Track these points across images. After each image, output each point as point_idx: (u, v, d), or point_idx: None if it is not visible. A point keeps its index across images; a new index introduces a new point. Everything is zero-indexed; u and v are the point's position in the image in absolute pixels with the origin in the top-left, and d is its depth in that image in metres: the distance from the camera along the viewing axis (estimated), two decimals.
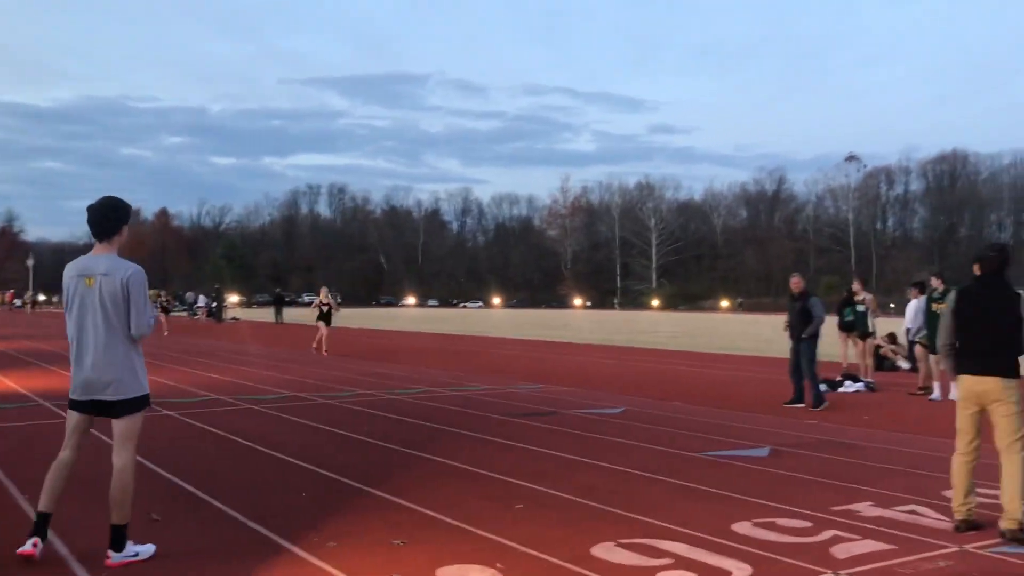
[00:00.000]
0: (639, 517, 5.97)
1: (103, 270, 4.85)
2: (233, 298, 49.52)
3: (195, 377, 16.09)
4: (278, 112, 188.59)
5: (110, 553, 4.81)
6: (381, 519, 5.90)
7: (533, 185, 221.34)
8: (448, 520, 5.86)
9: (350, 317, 20.20)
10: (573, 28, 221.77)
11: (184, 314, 58.03)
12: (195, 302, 57.16)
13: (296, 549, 5.19)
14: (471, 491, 6.79)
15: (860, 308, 16.11)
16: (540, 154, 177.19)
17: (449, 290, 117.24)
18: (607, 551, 5.16)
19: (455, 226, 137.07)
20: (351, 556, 5.05)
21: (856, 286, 16.69)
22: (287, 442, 9.03)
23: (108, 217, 4.94)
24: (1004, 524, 5.73)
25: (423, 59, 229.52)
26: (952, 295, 6.31)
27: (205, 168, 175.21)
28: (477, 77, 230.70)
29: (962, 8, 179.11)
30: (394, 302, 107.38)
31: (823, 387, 13.09)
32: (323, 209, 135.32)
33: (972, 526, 5.84)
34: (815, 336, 12.45)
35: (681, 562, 4.96)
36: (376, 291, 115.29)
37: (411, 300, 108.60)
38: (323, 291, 23.91)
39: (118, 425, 4.91)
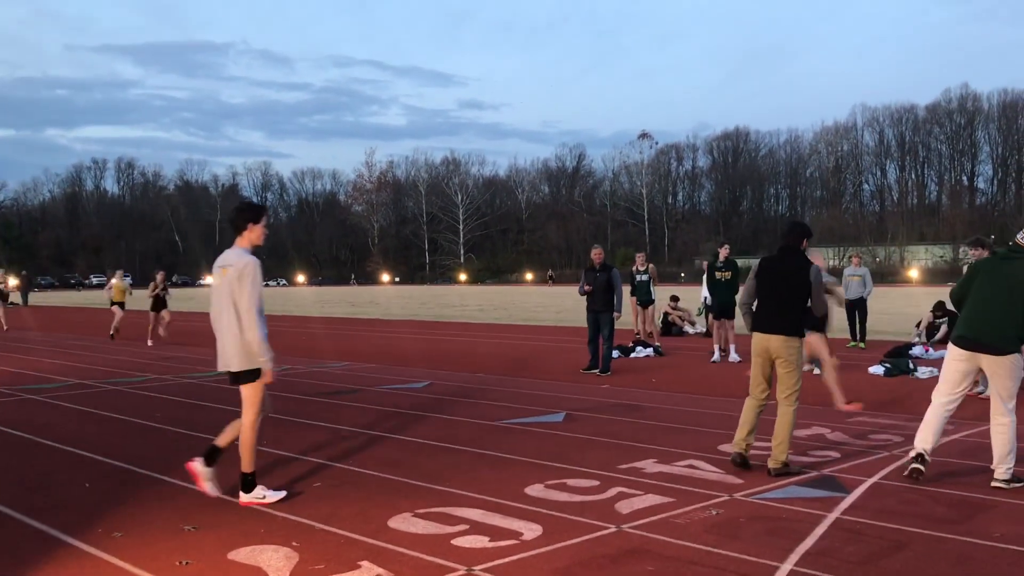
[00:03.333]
0: (437, 487, 6.10)
1: (230, 262, 5.69)
2: (12, 281, 45.87)
3: None
4: (63, 81, 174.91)
5: (240, 494, 5.77)
6: (172, 507, 5.72)
7: (342, 159, 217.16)
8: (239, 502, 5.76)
9: (142, 300, 19.06)
10: (381, 0, 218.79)
11: None
12: None
13: (77, 543, 4.94)
14: (268, 473, 6.68)
15: (642, 278, 16.91)
16: (348, 127, 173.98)
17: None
18: (404, 522, 5.25)
19: (255, 201, 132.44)
20: (138, 545, 4.87)
21: (639, 257, 17.48)
22: (70, 432, 8.52)
23: (233, 217, 5.84)
24: (771, 464, 6.49)
25: (224, 27, 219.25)
26: (757, 263, 7.06)
27: None
28: (282, 47, 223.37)
29: None
30: (190, 282, 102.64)
31: (616, 354, 13.76)
32: (110, 185, 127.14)
33: (744, 461, 6.60)
34: (619, 308, 13.01)
35: (475, 527, 5.13)
36: (172, 270, 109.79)
37: (209, 279, 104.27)
38: (118, 274, 22.33)
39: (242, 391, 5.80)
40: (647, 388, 11.53)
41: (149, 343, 19.51)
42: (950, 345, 6.44)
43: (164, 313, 20.13)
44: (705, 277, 16.23)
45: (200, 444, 7.79)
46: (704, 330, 19.11)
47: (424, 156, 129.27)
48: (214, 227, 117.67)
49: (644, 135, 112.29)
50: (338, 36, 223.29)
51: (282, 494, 5.88)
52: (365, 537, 4.96)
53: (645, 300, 16.91)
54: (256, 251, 5.83)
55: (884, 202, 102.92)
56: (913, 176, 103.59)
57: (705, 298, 17.01)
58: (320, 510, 5.55)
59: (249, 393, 5.79)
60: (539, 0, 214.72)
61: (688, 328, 20.59)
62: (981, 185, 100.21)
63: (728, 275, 14.39)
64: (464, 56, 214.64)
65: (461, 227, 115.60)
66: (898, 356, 13.86)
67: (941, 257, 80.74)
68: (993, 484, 6.07)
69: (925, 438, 6.34)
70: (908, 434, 8.03)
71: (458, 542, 4.86)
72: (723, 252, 15.02)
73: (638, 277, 16.92)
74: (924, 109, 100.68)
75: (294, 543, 4.86)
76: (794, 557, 4.61)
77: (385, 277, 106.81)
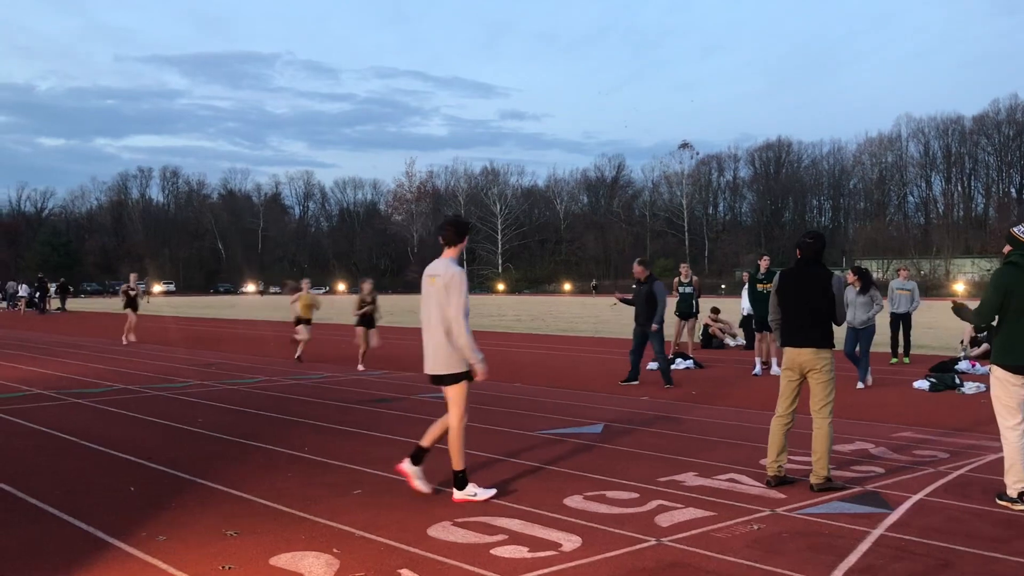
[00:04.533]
0: None
1: (439, 272, 6.13)
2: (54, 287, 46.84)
3: (14, 371, 15.13)
4: (112, 91, 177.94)
5: (454, 491, 6.06)
6: (215, 511, 5.79)
7: (383, 169, 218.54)
8: (285, 509, 5.81)
9: (185, 306, 19.27)
10: (424, 12, 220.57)
11: (3, 305, 54.23)
12: (16, 292, 53.53)
13: (123, 545, 5.02)
14: (310, 479, 6.74)
15: (686, 290, 16.86)
16: (390, 138, 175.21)
17: (292, 277, 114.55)
18: (443, 531, 5.26)
19: (297, 211, 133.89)
20: (181, 549, 4.94)
21: (684, 269, 17.46)
22: (115, 437, 8.67)
23: (444, 230, 6.30)
24: (813, 479, 6.41)
25: (270, 39, 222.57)
26: (776, 277, 6.98)
27: (29, 149, 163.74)
28: (326, 58, 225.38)
29: (787, 4, 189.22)
30: (232, 289, 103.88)
31: (652, 365, 13.70)
32: (155, 193, 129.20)
33: (782, 481, 6.48)
34: (662, 321, 13.00)
35: (515, 537, 5.13)
36: (214, 278, 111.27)
37: (251, 287, 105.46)
38: (304, 284, 18.93)
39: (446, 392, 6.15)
40: (687, 401, 11.45)
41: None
42: (1004, 372, 6.05)
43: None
44: (746, 289, 16.11)
45: (242, 450, 7.91)
46: (744, 343, 18.94)
47: (464, 166, 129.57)
48: (256, 235, 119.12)
49: (685, 145, 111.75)
50: (381, 48, 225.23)
51: (492, 492, 6.10)
52: (405, 545, 4.98)
53: (687, 312, 16.83)
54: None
55: (929, 214, 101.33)
56: (959, 188, 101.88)
57: (744, 309, 16.89)
58: (361, 518, 5.58)
59: (454, 394, 6.12)
60: (580, 12, 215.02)
61: (729, 340, 20.41)
62: None
63: (769, 287, 14.24)
64: (505, 67, 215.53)
65: (499, 237, 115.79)
66: (943, 371, 13.62)
67: (988, 271, 79.21)
68: (1000, 500, 5.90)
69: (1017, 477, 5.97)
70: (953, 450, 7.92)
71: (497, 552, 4.87)
72: (764, 264, 14.91)
73: (682, 289, 16.86)
74: (971, 120, 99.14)
75: (335, 550, 4.90)
76: (838, 573, 4.54)
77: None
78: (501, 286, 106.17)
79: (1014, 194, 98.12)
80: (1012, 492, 5.95)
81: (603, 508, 5.81)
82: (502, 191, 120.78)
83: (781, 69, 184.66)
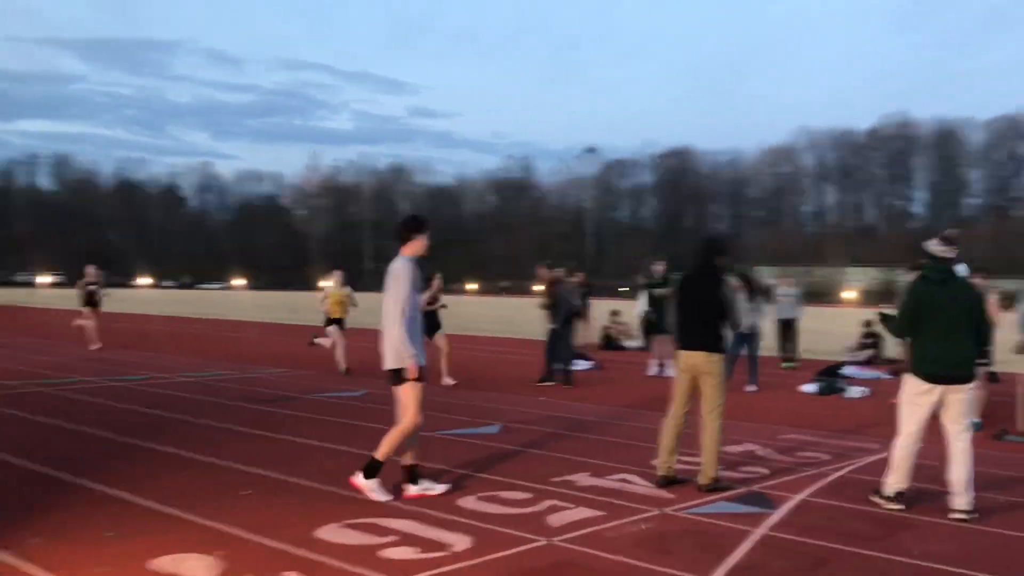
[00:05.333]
0: (368, 498, 6.04)
1: (390, 268, 6.28)
2: None
3: None
4: (2, 73, 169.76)
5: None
6: (96, 513, 5.56)
7: (288, 163, 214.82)
8: (168, 510, 5.63)
9: (72, 298, 18.39)
10: (335, 4, 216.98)
11: None
12: None
13: None
14: (197, 480, 6.56)
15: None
16: (296, 131, 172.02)
17: (187, 270, 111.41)
18: (333, 532, 5.19)
19: (194, 203, 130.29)
20: (56, 552, 4.73)
21: (565, 272, 17.41)
22: None
23: (399, 228, 6.49)
24: (701, 480, 6.57)
25: (173, 25, 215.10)
26: (676, 281, 7.18)
27: None
28: (231, 48, 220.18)
29: (703, 16, 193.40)
30: (125, 282, 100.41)
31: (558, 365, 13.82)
32: (44, 180, 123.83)
33: (671, 481, 6.64)
34: (565, 322, 13.15)
35: (405, 538, 5.09)
36: (106, 271, 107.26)
37: (145, 280, 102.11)
38: (336, 277, 16.55)
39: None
40: (584, 401, 11.59)
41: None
42: (913, 379, 6.22)
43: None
44: (643, 292, 16.38)
45: (127, 450, 7.64)
46: (643, 344, 19.27)
47: (370, 162, 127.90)
48: (150, 226, 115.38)
49: (591, 149, 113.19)
50: (289, 39, 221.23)
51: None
52: (292, 547, 4.89)
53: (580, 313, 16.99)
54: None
55: (822, 223, 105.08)
56: (850, 199, 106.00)
57: (641, 312, 17.12)
58: (249, 519, 5.45)
59: (403, 393, 6.18)
60: (498, 13, 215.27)
61: (627, 342, 20.75)
62: (916, 210, 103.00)
63: (665, 291, 14.53)
64: (417, 64, 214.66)
65: None
66: (830, 375, 14.14)
67: (874, 279, 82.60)
68: (954, 515, 5.93)
69: (897, 478, 6.18)
70: (836, 452, 8.22)
71: (386, 553, 4.82)
72: (659, 268, 15.19)
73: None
74: (863, 133, 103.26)
75: (219, 552, 4.77)
76: (720, 571, 4.66)
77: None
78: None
79: (901, 206, 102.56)
80: (888, 491, 6.19)
81: (496, 508, 5.82)
82: (409, 188, 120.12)
83: (689, 78, 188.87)
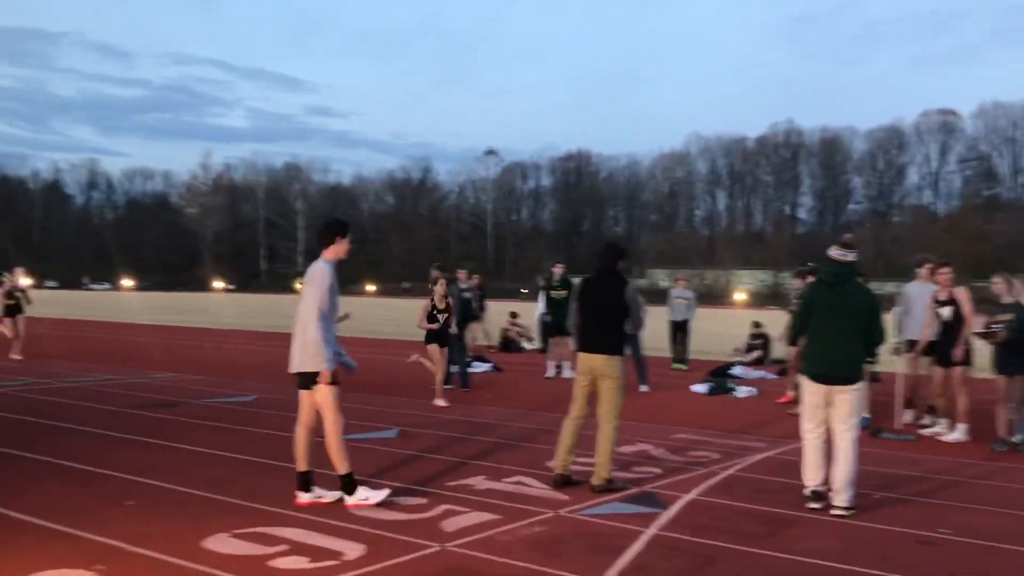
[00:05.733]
0: (258, 506, 5.90)
1: (309, 271, 6.16)
2: None
3: None
4: None
5: (345, 497, 5.95)
6: None
7: (179, 160, 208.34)
8: (45, 523, 5.38)
9: None
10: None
11: None
12: None
13: None
14: (77, 491, 6.28)
15: (466, 295, 16.83)
16: (188, 128, 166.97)
17: (71, 270, 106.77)
18: (220, 543, 5.04)
19: (79, 200, 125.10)
20: None
21: (461, 275, 17.30)
22: None
23: (320, 232, 6.39)
24: (594, 481, 6.64)
25: (58, 16, 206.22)
26: (578, 284, 7.22)
27: None
28: (120, 41, 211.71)
29: (598, 22, 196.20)
30: (2, 282, 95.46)
31: (455, 368, 13.79)
32: None
33: (567, 481, 6.71)
34: (461, 324, 13.11)
35: (295, 547, 4.99)
36: None
37: (26, 281, 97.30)
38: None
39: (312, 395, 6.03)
40: (481, 404, 11.60)
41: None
42: (805, 380, 6.49)
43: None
44: (541, 294, 16.48)
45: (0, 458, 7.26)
46: (541, 346, 19.41)
47: (264, 160, 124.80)
48: (31, 224, 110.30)
49: (490, 152, 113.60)
50: (181, 33, 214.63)
51: (385, 493, 6.02)
52: (177, 559, 4.73)
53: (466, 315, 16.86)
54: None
55: (714, 227, 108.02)
56: (741, 204, 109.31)
57: (540, 314, 17.23)
58: (132, 530, 5.25)
59: (323, 397, 5.97)
60: (394, 12, 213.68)
61: (526, 344, 20.88)
62: (803, 215, 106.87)
63: (563, 293, 14.68)
64: (314, 62, 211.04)
65: (301, 234, 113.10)
66: (720, 375, 14.52)
67: (762, 281, 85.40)
68: (835, 511, 6.15)
69: (811, 474, 6.39)
70: (725, 451, 8.44)
71: (276, 563, 4.71)
72: (558, 270, 15.32)
73: (463, 295, 16.92)
74: (753, 141, 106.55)
75: (99, 566, 4.58)
76: (611, 573, 4.72)
77: (218, 284, 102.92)
78: (300, 285, 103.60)
79: (788, 211, 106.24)
80: (805, 491, 6.39)
81: (390, 515, 5.76)
82: (305, 188, 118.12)
83: (585, 83, 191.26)
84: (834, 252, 6.52)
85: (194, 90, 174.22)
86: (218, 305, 54.28)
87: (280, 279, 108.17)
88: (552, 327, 15.07)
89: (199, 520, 5.52)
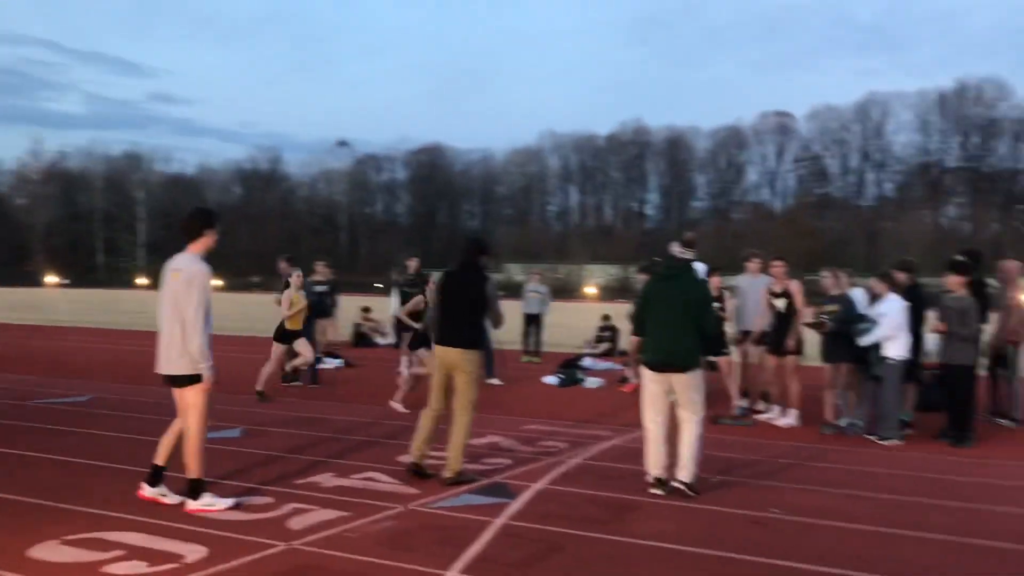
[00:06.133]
0: (92, 511, 5.63)
1: (181, 267, 5.89)
2: None
3: None
4: None
5: (187, 501, 5.71)
6: None
7: (6, 147, 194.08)
8: None
9: None
10: None
11: None
12: None
13: None
14: None
15: (318, 289, 16.55)
16: (16, 112, 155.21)
17: None
18: (49, 550, 4.78)
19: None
20: None
21: (318, 268, 16.93)
22: None
23: (187, 222, 6.15)
24: (446, 473, 6.69)
25: None
26: (439, 277, 7.26)
27: None
28: None
29: (455, 14, 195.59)
30: None
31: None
32: None
33: (420, 471, 6.76)
34: (314, 319, 12.91)
35: (133, 552, 4.79)
36: None
37: None
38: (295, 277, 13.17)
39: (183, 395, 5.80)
40: (332, 400, 11.44)
41: None
42: (644, 369, 6.81)
43: None
44: (395, 289, 16.39)
45: None
46: (395, 341, 19.29)
47: (102, 148, 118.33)
48: None
49: (342, 143, 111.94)
50: (10, 11, 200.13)
51: (231, 502, 5.79)
52: (1, 570, 4.45)
53: (320, 311, 16.58)
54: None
55: (566, 223, 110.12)
56: (592, 200, 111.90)
57: (393, 308, 17.12)
58: None
59: (192, 398, 5.77)
60: None
61: (379, 339, 20.71)
62: (650, 211, 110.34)
63: (416, 288, 14.62)
64: (157, 47, 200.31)
65: (142, 227, 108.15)
66: (570, 367, 14.85)
67: (612, 276, 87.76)
68: (674, 483, 6.50)
69: (653, 462, 6.64)
70: (575, 440, 8.65)
71: (110, 569, 4.52)
72: (412, 264, 15.25)
73: (316, 288, 16.63)
74: (603, 138, 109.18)
75: None
76: (459, 564, 4.77)
77: (52, 278, 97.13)
78: (144, 280, 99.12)
79: (636, 208, 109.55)
80: (648, 477, 6.64)
81: (234, 515, 5.61)
82: (146, 177, 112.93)
83: (440, 76, 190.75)
84: (675, 249, 6.83)
85: (23, 72, 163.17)
86: (51, 301, 51.19)
87: (119, 273, 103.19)
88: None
89: (26, 528, 5.21)
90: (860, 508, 6.27)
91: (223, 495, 5.93)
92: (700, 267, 10.62)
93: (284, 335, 11.96)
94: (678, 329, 6.59)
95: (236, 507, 5.78)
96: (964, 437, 8.90)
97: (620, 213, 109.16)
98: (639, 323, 6.94)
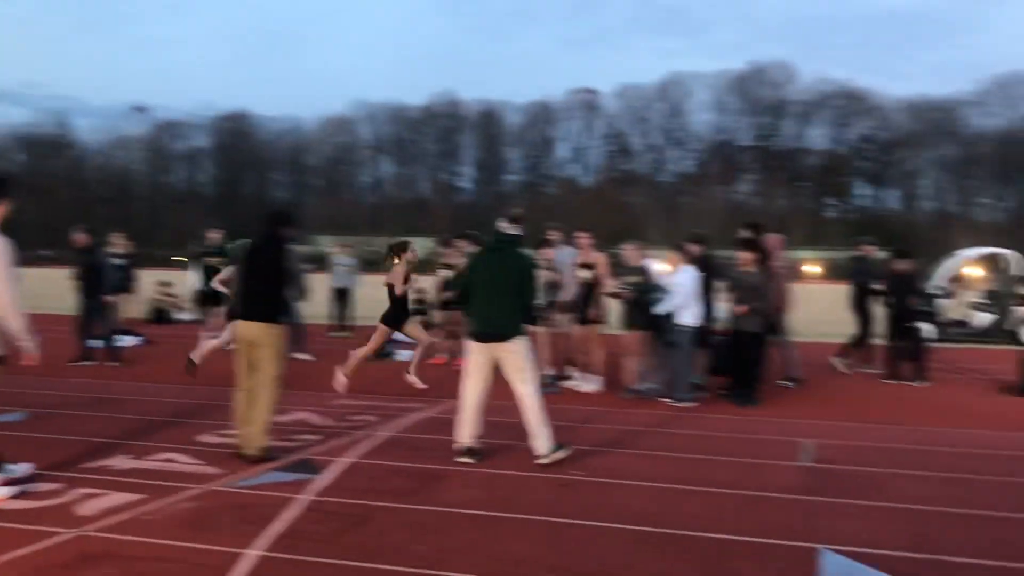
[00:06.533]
0: None
1: None
2: None
3: None
4: None
5: None
6: None
7: None
8: None
9: None
10: None
11: None
12: None
13: None
14: None
15: (116, 263, 15.73)
16: None
17: None
18: None
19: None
20: None
21: (116, 240, 16.06)
22: None
23: None
24: (249, 450, 6.54)
25: None
26: (240, 250, 7.11)
27: None
28: None
29: None
30: None
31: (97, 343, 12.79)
32: None
33: (244, 456, 6.55)
34: (109, 293, 12.18)
35: None
36: None
37: None
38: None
39: None
40: (128, 380, 10.86)
41: None
42: (470, 340, 6.90)
43: None
44: (197, 262, 15.72)
45: None
46: (196, 317, 18.52)
47: None
48: None
49: (140, 108, 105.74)
50: None
51: (12, 491, 5.43)
52: None
53: (118, 286, 15.73)
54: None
55: (380, 194, 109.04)
56: (405, 172, 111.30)
57: (196, 283, 16.42)
58: None
59: None
60: None
61: (178, 315, 19.82)
62: (464, 184, 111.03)
63: (219, 260, 14.09)
64: None
65: None
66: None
67: (427, 249, 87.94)
68: (539, 461, 6.59)
69: (465, 430, 6.74)
70: (384, 414, 8.64)
71: None
72: (215, 237, 14.69)
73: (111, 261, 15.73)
74: (416, 110, 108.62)
75: None
76: (262, 542, 4.68)
77: None
78: None
79: (450, 180, 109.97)
80: (459, 446, 6.73)
81: (16, 504, 5.26)
82: None
83: (245, 40, 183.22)
84: (502, 224, 7.00)
85: None
86: None
87: None
88: (208, 297, 14.42)
89: None
90: (656, 467, 6.63)
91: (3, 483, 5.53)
92: (568, 252, 10.83)
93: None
94: (502, 301, 6.74)
95: (19, 496, 5.41)
96: (750, 398, 9.58)
97: (435, 186, 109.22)
98: (463, 295, 7.04)
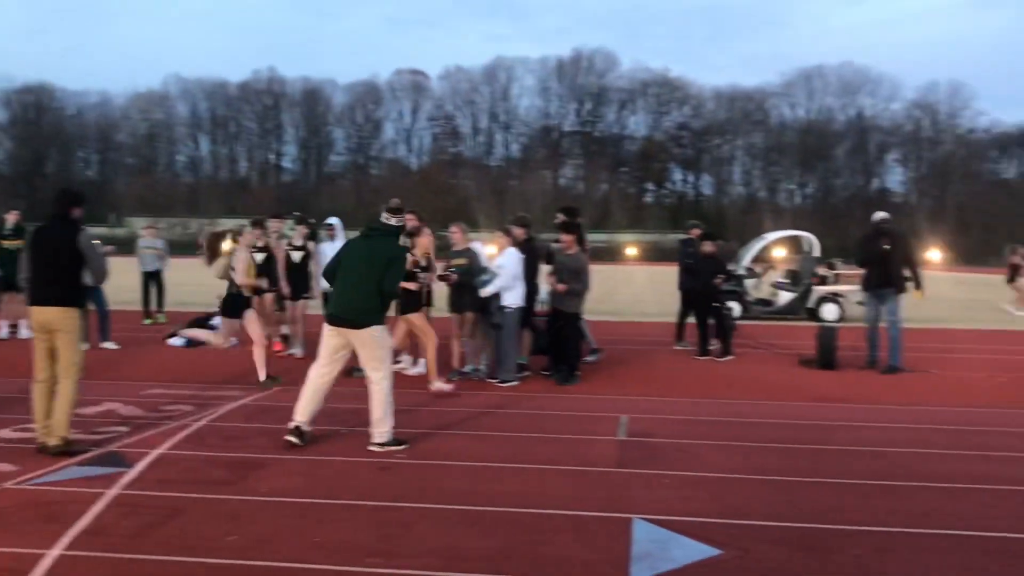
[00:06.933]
0: None
1: None
2: None
3: None
4: None
5: None
6: None
7: None
8: None
9: None
10: None
11: None
12: None
13: None
14: None
15: None
16: None
17: None
18: None
19: None
20: None
21: None
22: None
23: None
24: (51, 443, 6.18)
25: None
26: (30, 233, 6.72)
27: None
28: None
29: None
30: None
31: None
32: None
33: (47, 448, 6.20)
34: None
35: None
36: None
37: None
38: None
39: None
40: None
41: None
42: (325, 323, 6.81)
43: None
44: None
45: None
46: None
47: None
48: None
49: None
50: None
51: None
52: None
53: None
54: None
55: (197, 173, 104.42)
56: (225, 150, 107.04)
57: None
58: None
59: None
60: None
61: None
62: (287, 164, 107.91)
63: (17, 243, 13.12)
64: None
65: None
66: (199, 327, 14.19)
67: (245, 228, 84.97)
68: (371, 447, 6.54)
69: (303, 409, 6.65)
70: (200, 403, 8.32)
71: None
72: (12, 218, 13.66)
73: None
74: (236, 87, 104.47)
75: None
76: (66, 540, 4.43)
77: None
78: None
79: (272, 160, 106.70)
80: (291, 423, 6.63)
81: None
82: None
83: (45, 8, 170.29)
84: (384, 215, 6.94)
85: None
86: None
87: None
88: (5, 282, 13.40)
89: None
90: (480, 447, 6.72)
91: None
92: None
93: None
94: (361, 287, 6.67)
95: None
96: (571, 376, 9.86)
97: (255, 165, 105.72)
98: (330, 277, 6.96)
